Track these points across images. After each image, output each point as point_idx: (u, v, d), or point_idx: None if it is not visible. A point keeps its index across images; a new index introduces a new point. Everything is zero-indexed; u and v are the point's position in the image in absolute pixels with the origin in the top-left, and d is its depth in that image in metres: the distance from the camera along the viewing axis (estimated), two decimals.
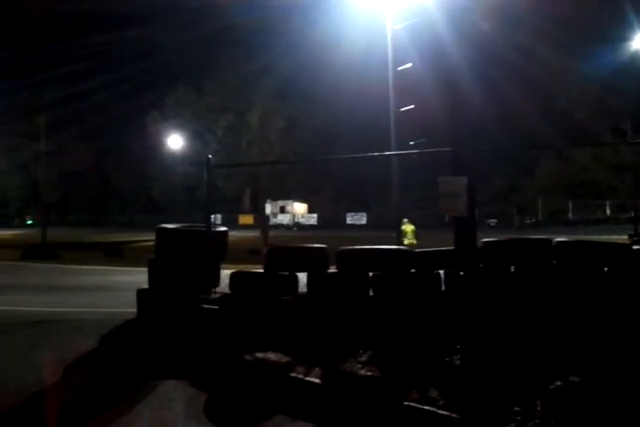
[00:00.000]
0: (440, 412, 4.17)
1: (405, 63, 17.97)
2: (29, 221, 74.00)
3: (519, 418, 4.02)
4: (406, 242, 16.96)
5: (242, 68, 56.19)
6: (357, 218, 57.49)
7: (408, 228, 17.71)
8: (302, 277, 6.35)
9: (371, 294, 6.03)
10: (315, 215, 60.33)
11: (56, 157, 43.56)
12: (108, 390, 5.05)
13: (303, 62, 48.08)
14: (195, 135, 62.22)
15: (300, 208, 61.54)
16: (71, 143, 67.25)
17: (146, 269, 7.24)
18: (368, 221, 55.77)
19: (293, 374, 4.95)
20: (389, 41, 17.85)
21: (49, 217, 35.95)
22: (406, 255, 6.12)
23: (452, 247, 5.32)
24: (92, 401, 4.81)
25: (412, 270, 6.03)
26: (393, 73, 17.64)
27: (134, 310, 7.07)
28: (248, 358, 5.14)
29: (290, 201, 59.57)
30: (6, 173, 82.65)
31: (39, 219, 46.88)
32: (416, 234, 17.71)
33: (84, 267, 17.80)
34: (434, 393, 4.42)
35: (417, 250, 6.26)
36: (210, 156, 6.92)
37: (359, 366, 4.89)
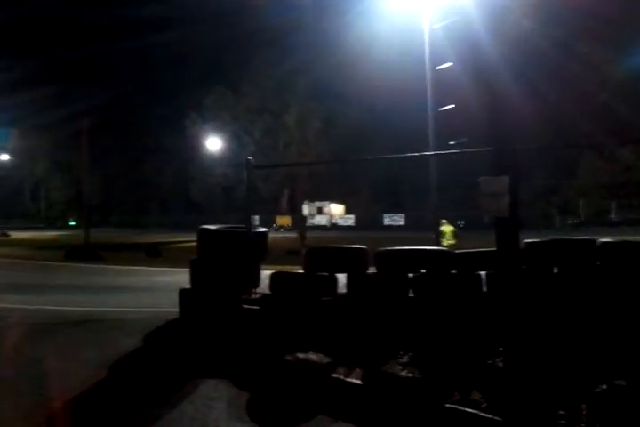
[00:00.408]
0: (483, 414, 4.13)
1: (442, 62, 17.83)
2: (72, 223, 75.60)
3: (564, 422, 3.95)
4: (445, 243, 16.83)
5: (277, 69, 56.55)
6: (395, 219, 57.28)
7: (447, 228, 17.57)
8: (342, 277, 6.36)
9: (410, 294, 6.00)
10: (352, 216, 60.34)
11: (98, 159, 44.44)
12: (152, 389, 5.14)
13: (339, 62, 48.07)
14: (233, 137, 62.87)
15: (337, 209, 61.62)
16: (113, 145, 68.64)
17: (185, 269, 7.33)
18: (405, 222, 55.52)
19: (334, 375, 4.95)
20: (427, 40, 17.73)
21: (91, 218, 36.62)
22: (447, 256, 6.07)
23: (494, 248, 5.26)
24: (136, 399, 4.90)
25: (453, 271, 5.99)
26: (431, 72, 17.51)
27: (176, 309, 7.17)
28: (289, 358, 5.16)
29: (327, 202, 59.72)
30: (50, 175, 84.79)
31: (82, 220, 47.86)
32: (455, 235, 17.56)
33: (125, 267, 18.11)
34: (476, 396, 4.37)
35: (457, 251, 6.21)
36: (249, 157, 6.96)
37: (400, 367, 4.87)
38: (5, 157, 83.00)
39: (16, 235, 46.66)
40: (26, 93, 72.85)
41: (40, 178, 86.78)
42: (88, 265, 19.20)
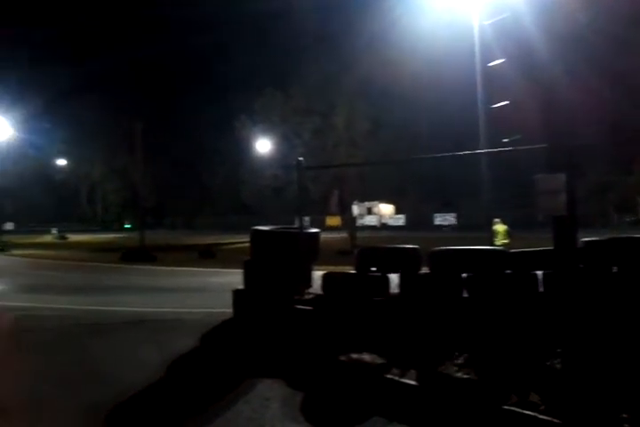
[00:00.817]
0: (541, 417, 4.05)
1: (492, 59, 17.53)
2: (128, 225, 77.30)
3: (626, 425, 3.84)
4: (498, 242, 16.53)
5: (324, 69, 56.61)
6: (445, 219, 56.57)
7: (500, 228, 17.26)
8: (394, 277, 6.33)
9: (465, 295, 5.92)
10: (402, 216, 59.86)
11: (152, 162, 45.33)
12: (209, 388, 5.22)
13: (386, 61, 47.74)
14: (282, 139, 63.25)
15: (386, 209, 61.17)
16: (166, 148, 69.98)
17: (238, 270, 7.43)
18: (457, 221, 54.79)
19: (389, 376, 4.93)
20: (476, 37, 17.47)
21: (146, 221, 37.43)
22: (501, 256, 5.97)
23: (550, 247, 5.15)
24: (193, 398, 4.98)
25: (508, 271, 5.88)
26: (481, 69, 17.24)
27: (230, 310, 7.27)
28: (343, 358, 5.16)
29: (376, 202, 59.31)
30: (105, 179, 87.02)
31: (137, 222, 48.92)
32: (508, 234, 17.24)
33: (179, 268, 18.43)
34: (534, 398, 4.29)
35: (513, 250, 6.09)
36: (300, 158, 7.00)
37: (455, 368, 4.82)
38: (63, 161, 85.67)
39: (73, 237, 48.12)
40: (80, 98, 75.09)
41: (96, 181, 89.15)
42: (143, 267, 19.62)
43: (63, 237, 47.69)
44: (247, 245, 7.52)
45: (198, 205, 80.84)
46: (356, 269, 6.49)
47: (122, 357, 6.49)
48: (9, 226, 72.08)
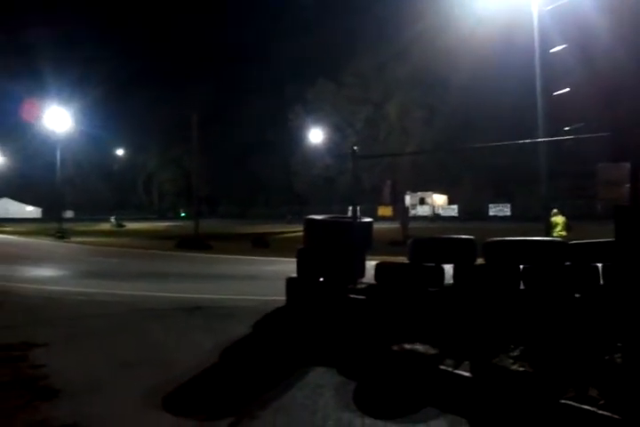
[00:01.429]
0: (600, 412, 3.95)
1: (552, 46, 17.08)
2: (183, 214, 78.84)
3: None
4: (556, 234, 16.14)
5: (378, 58, 56.18)
6: (500, 209, 55.55)
7: (559, 219, 16.82)
8: (448, 268, 6.26)
9: (521, 287, 5.81)
10: (455, 207, 59.14)
11: (206, 152, 46.01)
12: (263, 375, 5.29)
13: (441, 49, 47.06)
14: (334, 128, 63.29)
15: (439, 199, 60.61)
16: (220, 139, 70.93)
17: (290, 259, 7.48)
18: (512, 212, 53.74)
19: (442, 367, 4.89)
20: (535, 23, 17.01)
21: (200, 210, 38.07)
22: (561, 247, 5.82)
23: (610, 239, 4.99)
24: (247, 384, 5.06)
25: (567, 263, 5.74)
26: (540, 55, 16.80)
27: (283, 297, 7.34)
28: (395, 348, 5.14)
29: (429, 192, 58.82)
30: (161, 168, 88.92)
31: (191, 211, 49.81)
32: (567, 225, 16.79)
33: (233, 257, 18.70)
34: (593, 392, 4.18)
35: (573, 242, 5.94)
36: (355, 147, 6.97)
37: (511, 361, 4.74)
38: (120, 151, 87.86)
39: (131, 225, 49.38)
40: (137, 90, 76.77)
41: (152, 171, 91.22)
42: (198, 255, 19.99)
43: (121, 225, 48.99)
44: (299, 234, 7.57)
45: (251, 194, 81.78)
46: (409, 260, 6.44)
47: (179, 341, 6.65)
48: (69, 214, 74.62)
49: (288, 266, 11.59)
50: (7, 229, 45.00)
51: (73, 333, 7.14)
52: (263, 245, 22.88)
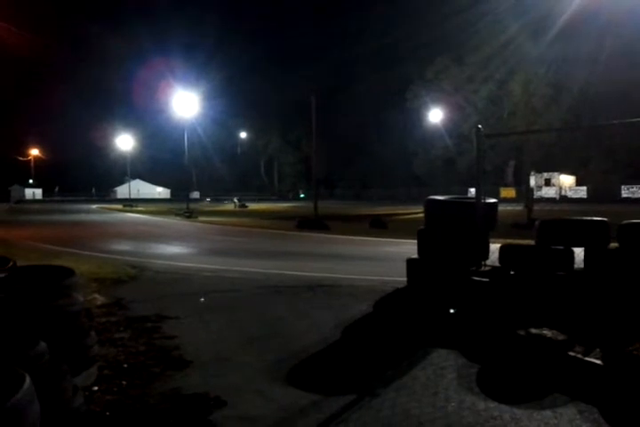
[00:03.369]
0: None
1: None
2: (302, 195, 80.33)
3: None
4: None
5: (501, 35, 53.97)
6: (635, 191, 52.03)
7: None
8: (578, 251, 5.98)
9: None
10: (583, 188, 56.12)
11: (324, 134, 46.49)
12: (384, 354, 5.32)
13: (567, 23, 44.39)
14: (454, 108, 61.78)
15: (566, 180, 57.77)
16: (338, 121, 71.45)
17: (408, 240, 7.43)
18: None
19: (571, 353, 4.70)
20: None
21: (319, 191, 38.65)
22: None
23: None
24: (368, 362, 5.11)
25: None
26: None
27: (402, 278, 7.32)
28: (521, 333, 4.99)
29: (556, 173, 56.19)
30: (281, 151, 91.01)
31: (310, 192, 50.66)
32: None
33: (351, 237, 18.85)
34: None
35: None
36: (479, 126, 6.76)
37: None
38: (243, 134, 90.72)
39: (253, 206, 51.05)
40: (259, 74, 78.68)
41: (273, 154, 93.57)
42: (317, 235, 20.34)
43: (243, 206, 50.73)
44: (417, 216, 7.50)
45: (368, 176, 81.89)
46: (536, 242, 6.20)
47: (302, 318, 6.81)
48: (195, 195, 78.23)
49: (406, 247, 11.59)
50: (139, 208, 47.97)
51: (201, 306, 7.52)
52: (381, 226, 22.84)
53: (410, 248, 7.62)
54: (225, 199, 65.92)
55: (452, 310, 6.06)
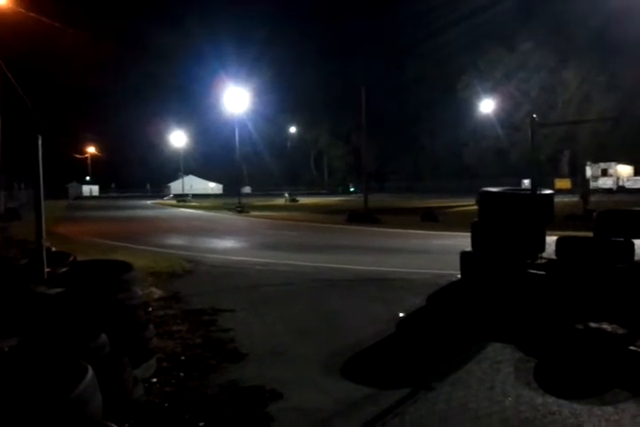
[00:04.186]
0: None
1: None
2: (352, 188, 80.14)
3: None
4: None
5: (556, 22, 52.56)
6: None
7: None
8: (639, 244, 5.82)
9: None
10: None
11: (374, 127, 46.25)
12: (438, 347, 5.29)
13: (623, 9, 42.83)
14: (506, 97, 60.57)
15: (624, 170, 55.93)
16: (387, 114, 71.01)
17: (461, 233, 7.35)
18: None
19: (632, 348, 4.57)
20: None
21: (369, 184, 38.52)
22: None
23: None
24: (423, 356, 5.09)
25: None
26: None
27: (454, 272, 7.25)
28: (580, 327, 4.88)
29: (613, 163, 54.44)
30: (331, 145, 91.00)
31: (360, 186, 50.51)
32: None
33: (402, 231, 18.73)
34: None
35: None
36: (534, 115, 6.63)
37: None
38: (293, 129, 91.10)
39: (303, 200, 51.22)
40: (308, 68, 78.86)
41: (322, 148, 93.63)
42: (368, 228, 20.29)
43: (294, 200, 50.94)
44: (469, 208, 7.41)
45: (419, 168, 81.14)
46: (594, 234, 6.06)
47: (354, 311, 6.83)
48: (246, 190, 79.02)
49: (458, 240, 11.45)
50: (192, 204, 48.78)
51: (255, 300, 7.61)
52: (432, 219, 22.61)
53: (462, 241, 7.53)
54: (276, 193, 66.42)
55: (401, 314, 5.99)
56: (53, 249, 7.17)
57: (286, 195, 54.28)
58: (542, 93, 59.22)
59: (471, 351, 5.05)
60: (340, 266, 10.53)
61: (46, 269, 5.02)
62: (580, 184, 30.19)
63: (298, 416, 3.82)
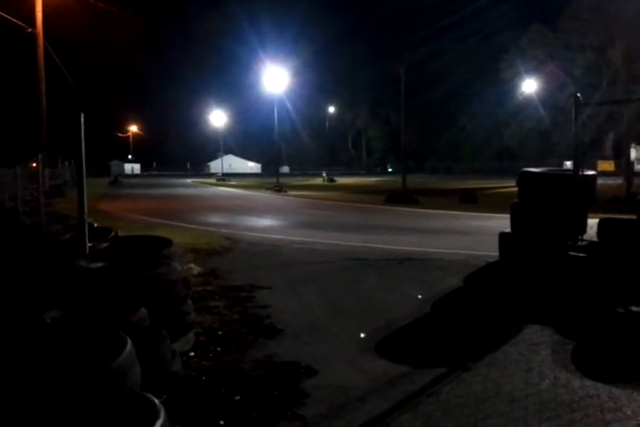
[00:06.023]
0: None
1: None
2: (390, 169, 79.70)
3: None
4: None
5: (600, 1, 50.81)
6: None
7: None
8: None
9: None
10: None
11: (413, 108, 45.81)
12: (474, 328, 5.26)
13: None
14: (549, 77, 59.09)
15: None
16: (426, 94, 70.12)
17: (499, 214, 7.26)
18: None
19: None
20: None
21: (407, 165, 38.23)
22: None
23: None
24: (459, 337, 5.07)
25: None
26: None
27: (492, 253, 7.17)
28: (621, 310, 4.79)
29: None
30: (369, 125, 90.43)
31: (399, 167, 50.19)
32: None
33: (440, 211, 18.61)
34: None
35: None
36: (578, 94, 6.46)
37: None
38: (331, 109, 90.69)
39: (341, 180, 51.21)
40: (347, 47, 78.12)
41: (361, 128, 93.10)
42: (406, 209, 20.21)
43: (332, 180, 50.93)
44: (508, 190, 7.30)
45: (458, 149, 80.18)
46: (638, 217, 5.91)
47: (390, 291, 6.83)
48: (285, 169, 79.23)
49: (497, 222, 11.32)
50: (231, 183, 49.15)
51: (292, 277, 7.67)
52: (471, 200, 22.38)
53: (500, 222, 7.44)
54: (313, 173, 66.42)
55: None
56: (95, 225, 7.31)
57: (324, 175, 54.27)
58: (586, 73, 57.60)
59: (508, 333, 5.01)
60: (378, 246, 10.52)
61: (88, 244, 5.11)
62: (625, 166, 29.44)
63: (332, 393, 3.84)
